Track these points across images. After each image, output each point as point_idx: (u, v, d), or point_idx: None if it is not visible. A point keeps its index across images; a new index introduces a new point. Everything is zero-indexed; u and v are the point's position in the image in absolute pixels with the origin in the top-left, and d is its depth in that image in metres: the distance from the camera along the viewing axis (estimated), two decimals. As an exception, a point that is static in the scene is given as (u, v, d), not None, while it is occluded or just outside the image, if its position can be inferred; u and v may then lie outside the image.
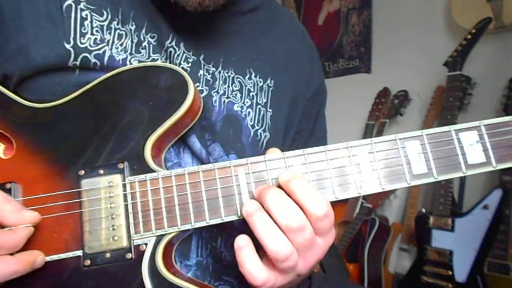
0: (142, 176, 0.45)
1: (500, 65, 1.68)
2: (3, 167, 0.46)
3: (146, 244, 0.44)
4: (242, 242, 0.42)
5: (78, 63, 0.50)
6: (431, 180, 0.43)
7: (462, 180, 1.58)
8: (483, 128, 0.44)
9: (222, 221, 0.44)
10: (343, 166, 0.44)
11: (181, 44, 0.56)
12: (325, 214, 0.40)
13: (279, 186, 0.43)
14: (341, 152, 0.44)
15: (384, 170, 0.44)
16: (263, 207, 0.41)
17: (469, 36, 1.51)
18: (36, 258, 0.42)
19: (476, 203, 1.45)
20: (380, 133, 1.86)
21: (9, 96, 0.48)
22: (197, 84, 0.56)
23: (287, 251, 0.40)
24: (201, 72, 0.57)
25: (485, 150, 0.43)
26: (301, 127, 0.70)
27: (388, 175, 0.44)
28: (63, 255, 0.44)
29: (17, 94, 0.49)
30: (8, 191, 0.44)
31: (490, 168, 0.43)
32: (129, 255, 0.44)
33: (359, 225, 1.76)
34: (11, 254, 0.40)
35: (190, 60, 0.57)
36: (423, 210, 1.59)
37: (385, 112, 1.91)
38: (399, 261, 1.83)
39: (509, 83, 1.57)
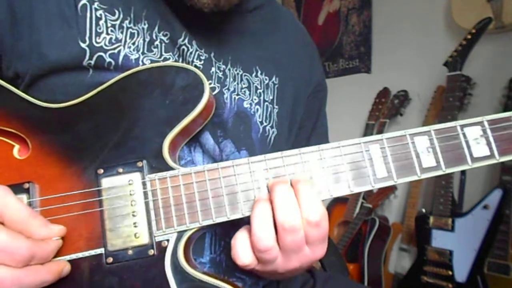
0: (162, 174, 0.46)
1: (500, 65, 1.68)
2: (19, 167, 0.46)
3: (168, 240, 0.45)
4: (247, 227, 0.45)
5: (93, 62, 0.50)
6: (440, 172, 0.45)
7: (462, 180, 1.59)
8: (486, 123, 0.46)
9: (242, 216, 0.45)
10: (357, 161, 0.46)
11: (194, 42, 0.57)
12: (316, 222, 0.41)
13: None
14: (354, 147, 0.46)
15: (395, 164, 0.45)
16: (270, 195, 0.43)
17: (469, 36, 1.51)
18: (64, 267, 0.42)
19: (476, 203, 1.45)
20: (380, 133, 1.86)
21: (22, 97, 0.48)
22: (210, 81, 0.56)
23: (268, 244, 0.41)
24: (213, 69, 0.58)
25: (489, 143, 0.45)
26: (303, 123, 0.71)
27: (399, 168, 0.45)
28: (85, 253, 0.44)
29: (28, 95, 0.49)
30: (26, 190, 0.45)
31: (493, 161, 0.45)
32: (151, 252, 0.44)
33: (359, 225, 1.76)
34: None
35: (203, 58, 0.57)
36: (423, 210, 1.60)
37: (385, 112, 1.91)
38: (399, 261, 1.83)
39: (509, 83, 1.57)
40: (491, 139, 0.45)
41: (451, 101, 1.50)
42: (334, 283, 0.73)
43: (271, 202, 0.43)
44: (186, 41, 0.56)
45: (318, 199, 0.43)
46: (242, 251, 0.43)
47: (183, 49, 0.55)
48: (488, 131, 0.45)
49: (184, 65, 0.50)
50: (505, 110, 1.54)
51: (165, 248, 0.45)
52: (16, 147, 0.47)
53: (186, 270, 0.44)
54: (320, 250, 0.44)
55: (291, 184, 0.44)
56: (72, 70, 0.50)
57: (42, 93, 0.50)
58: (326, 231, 0.43)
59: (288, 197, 0.42)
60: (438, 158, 0.45)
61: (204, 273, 0.45)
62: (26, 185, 0.45)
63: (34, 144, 0.47)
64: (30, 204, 0.44)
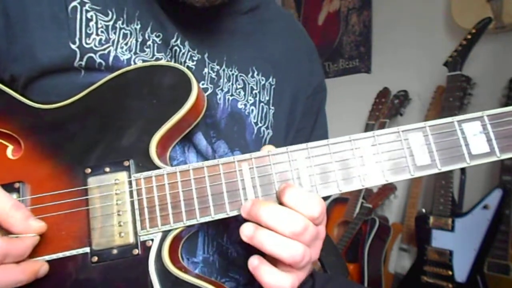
0: (147, 173, 0.46)
1: (500, 65, 1.68)
2: (12, 167, 0.47)
3: (152, 240, 0.45)
4: (255, 263, 0.42)
5: (83, 63, 0.51)
6: (435, 171, 0.43)
7: (462, 180, 1.58)
8: (486, 118, 0.43)
9: (227, 216, 0.44)
10: (347, 159, 0.44)
11: (186, 43, 0.57)
12: (320, 213, 0.41)
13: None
14: (344, 145, 0.45)
15: (387, 162, 0.44)
16: (260, 224, 0.41)
17: (469, 36, 1.51)
18: (40, 267, 0.42)
19: (476, 203, 1.45)
20: (380, 133, 1.86)
21: (16, 98, 0.49)
22: (202, 82, 0.56)
23: (302, 251, 0.40)
24: (206, 70, 0.58)
25: (489, 140, 0.43)
26: (301, 125, 0.70)
27: (391, 167, 0.44)
28: (72, 252, 0.44)
29: (25, 96, 0.50)
30: (17, 190, 0.45)
31: (494, 158, 0.43)
32: (135, 251, 0.44)
33: (359, 225, 1.76)
34: (16, 262, 0.40)
35: (195, 59, 0.57)
36: (423, 210, 1.59)
37: (385, 112, 1.91)
38: (399, 261, 1.83)
39: (509, 83, 1.57)
40: (492, 135, 0.43)
41: (451, 101, 1.50)
42: (334, 283, 0.72)
43: (265, 227, 0.41)
44: (178, 42, 0.56)
45: (306, 195, 0.42)
46: (280, 282, 0.41)
47: (176, 50, 0.56)
48: (489, 127, 0.43)
49: (172, 64, 0.50)
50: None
51: (150, 247, 0.44)
52: (10, 147, 0.48)
53: (170, 270, 0.43)
54: (325, 220, 0.45)
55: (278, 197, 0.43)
56: (64, 71, 0.51)
57: (37, 95, 0.51)
58: (324, 206, 0.42)
59: (275, 211, 0.41)
60: (434, 156, 0.43)
61: (196, 276, 0.45)
62: (17, 185, 0.45)
63: (26, 144, 0.48)
64: None
